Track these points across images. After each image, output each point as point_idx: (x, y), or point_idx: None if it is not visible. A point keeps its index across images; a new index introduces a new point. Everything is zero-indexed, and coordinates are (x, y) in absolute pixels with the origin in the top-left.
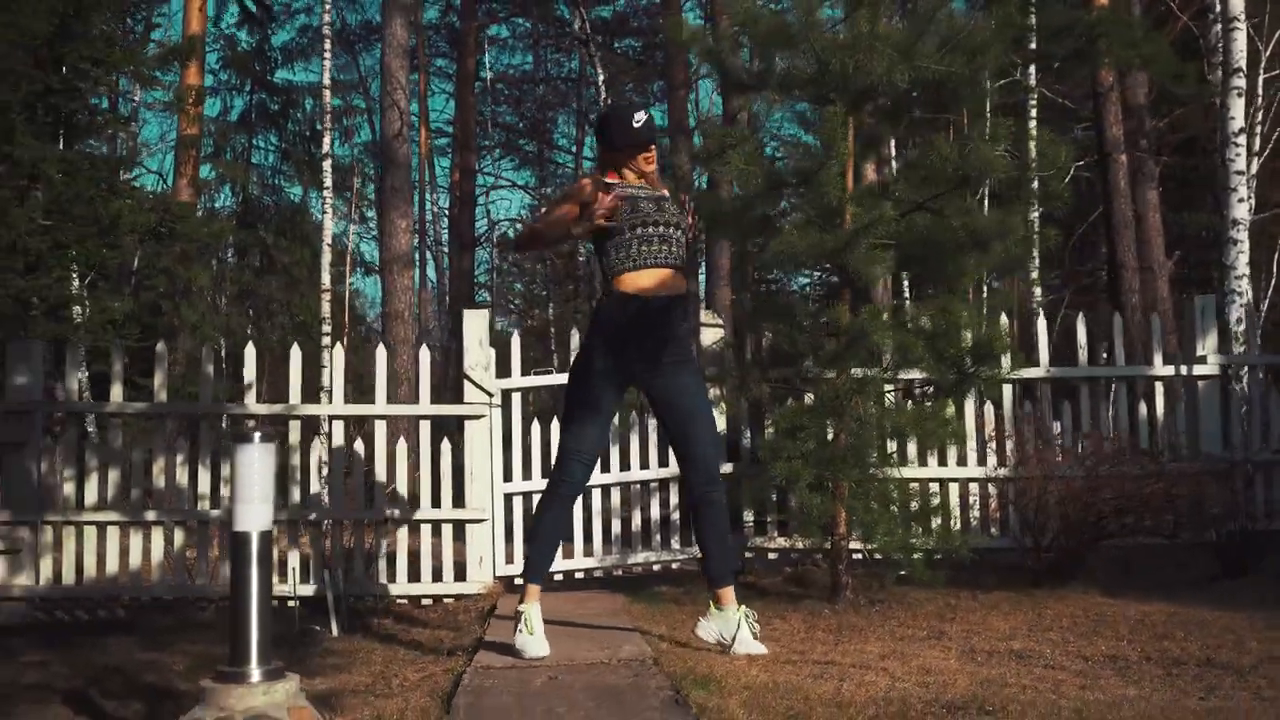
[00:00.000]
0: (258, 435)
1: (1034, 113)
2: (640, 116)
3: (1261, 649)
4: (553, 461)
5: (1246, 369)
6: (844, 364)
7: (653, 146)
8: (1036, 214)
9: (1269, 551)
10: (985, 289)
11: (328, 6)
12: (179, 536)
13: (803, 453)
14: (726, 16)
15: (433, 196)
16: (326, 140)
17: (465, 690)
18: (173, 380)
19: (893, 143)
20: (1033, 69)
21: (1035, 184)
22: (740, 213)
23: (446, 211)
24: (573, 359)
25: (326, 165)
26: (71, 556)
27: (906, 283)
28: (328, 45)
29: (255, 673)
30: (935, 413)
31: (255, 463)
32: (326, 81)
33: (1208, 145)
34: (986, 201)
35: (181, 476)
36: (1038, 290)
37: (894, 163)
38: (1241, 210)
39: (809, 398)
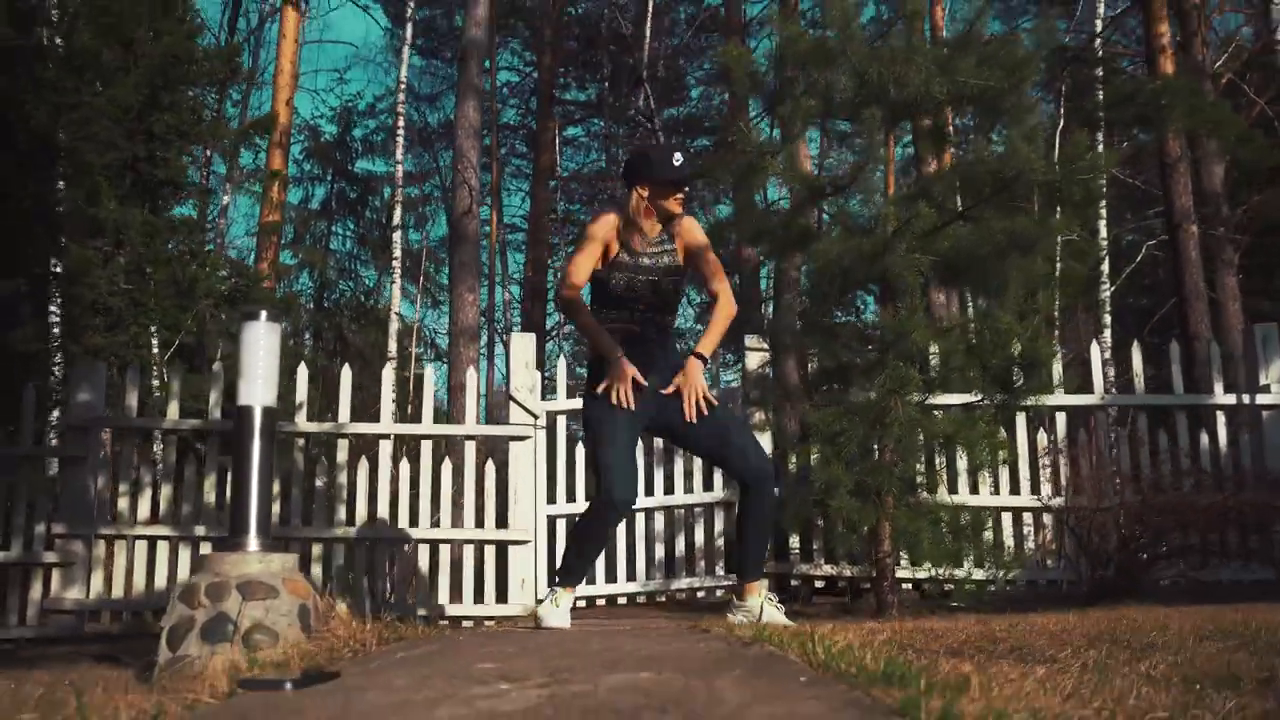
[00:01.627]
0: (264, 313)
1: (1104, 193)
2: (679, 157)
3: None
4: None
5: None
6: (885, 367)
7: (685, 188)
8: (1107, 293)
9: None
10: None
11: (403, 84)
12: None
13: (844, 458)
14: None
15: (505, 288)
16: (397, 212)
17: (473, 630)
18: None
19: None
20: (1101, 148)
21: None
22: (783, 226)
23: (519, 304)
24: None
25: (396, 237)
26: (122, 570)
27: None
28: (401, 120)
29: (253, 542)
30: (977, 420)
31: (261, 340)
32: (399, 153)
33: None
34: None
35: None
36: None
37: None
38: None
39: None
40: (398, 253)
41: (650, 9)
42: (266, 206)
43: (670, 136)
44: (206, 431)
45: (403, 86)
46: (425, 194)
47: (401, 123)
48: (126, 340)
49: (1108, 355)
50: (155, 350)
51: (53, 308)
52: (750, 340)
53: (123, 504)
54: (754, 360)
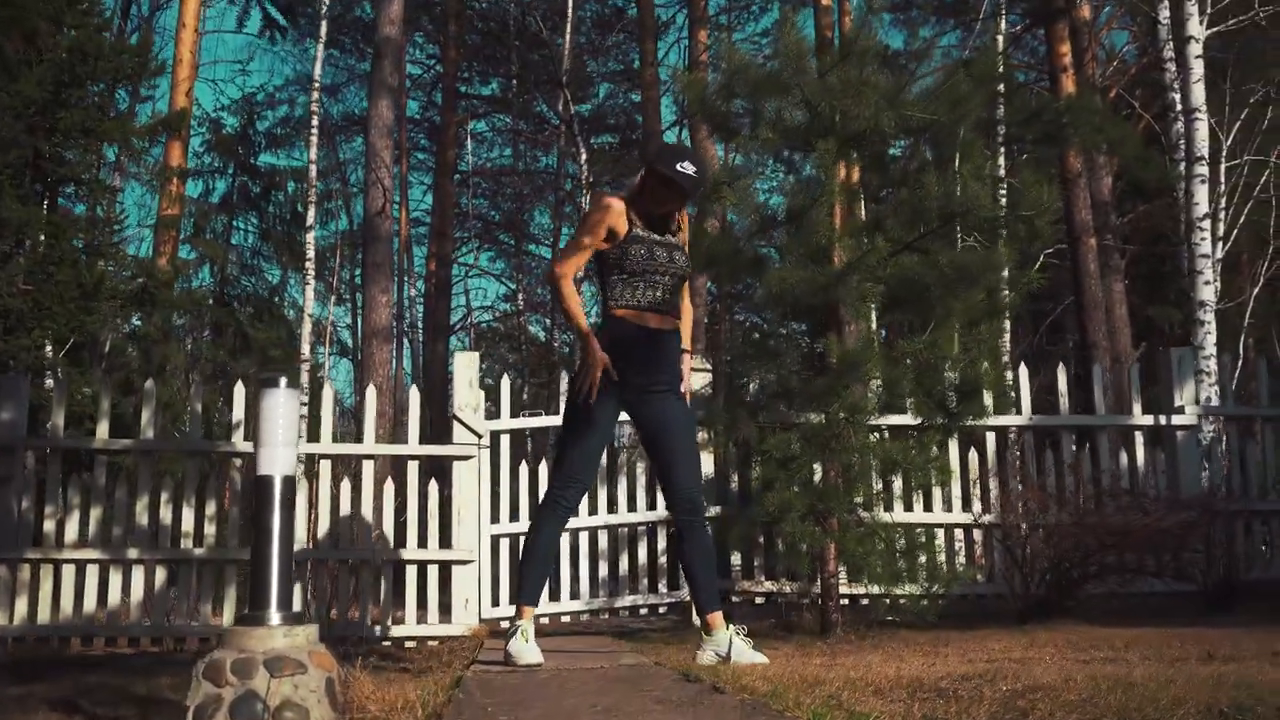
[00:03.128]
0: (283, 380)
1: (1003, 203)
2: (688, 165)
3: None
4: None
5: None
6: (836, 396)
7: (675, 198)
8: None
9: (1247, 598)
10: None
11: (316, 83)
12: (160, 575)
13: (796, 482)
14: (721, 65)
15: (411, 281)
16: (311, 213)
17: (470, 678)
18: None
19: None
20: (1001, 160)
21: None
22: (735, 252)
23: (422, 299)
24: (569, 381)
25: (310, 237)
26: (49, 595)
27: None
28: (315, 119)
29: (275, 616)
30: (925, 445)
31: (280, 407)
32: (313, 153)
33: (1173, 238)
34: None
35: (165, 515)
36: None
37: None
38: (1208, 293)
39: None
40: (311, 253)
41: (570, 11)
42: (165, 200)
43: (579, 135)
44: (139, 451)
45: (316, 85)
46: (328, 189)
47: (315, 121)
48: (28, 344)
49: (1007, 359)
50: (49, 352)
51: None
52: (693, 361)
53: (49, 526)
54: (697, 381)
